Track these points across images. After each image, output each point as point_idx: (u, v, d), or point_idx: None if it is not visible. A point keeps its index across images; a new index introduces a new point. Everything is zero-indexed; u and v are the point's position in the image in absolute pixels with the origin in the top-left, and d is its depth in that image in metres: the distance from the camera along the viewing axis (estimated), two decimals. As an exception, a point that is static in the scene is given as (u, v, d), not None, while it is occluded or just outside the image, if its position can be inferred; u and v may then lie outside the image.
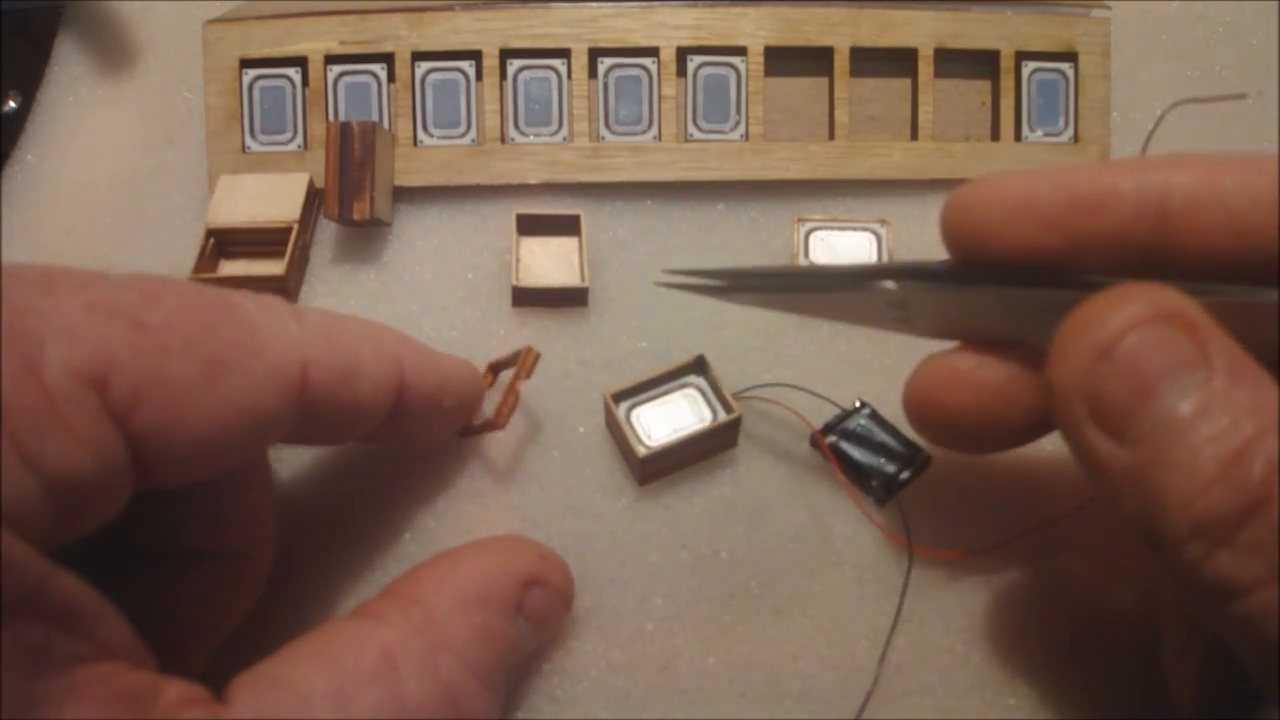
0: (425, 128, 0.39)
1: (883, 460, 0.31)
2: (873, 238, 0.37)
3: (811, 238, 0.37)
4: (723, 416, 0.31)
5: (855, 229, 0.37)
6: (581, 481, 0.32)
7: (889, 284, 0.25)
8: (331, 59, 0.39)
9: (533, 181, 0.39)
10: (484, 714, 0.24)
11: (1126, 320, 0.20)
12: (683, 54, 0.39)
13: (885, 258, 0.36)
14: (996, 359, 0.25)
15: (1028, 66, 0.40)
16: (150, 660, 0.20)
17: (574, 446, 0.32)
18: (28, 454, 0.18)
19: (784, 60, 0.39)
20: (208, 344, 0.21)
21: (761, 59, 0.39)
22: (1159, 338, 0.20)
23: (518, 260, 0.36)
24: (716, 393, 0.32)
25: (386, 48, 0.38)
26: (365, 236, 0.37)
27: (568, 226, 0.37)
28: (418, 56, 0.39)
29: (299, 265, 0.36)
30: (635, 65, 0.39)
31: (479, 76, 0.39)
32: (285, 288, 0.35)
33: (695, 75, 0.39)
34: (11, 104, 0.41)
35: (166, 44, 0.42)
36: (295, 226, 0.36)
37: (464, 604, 0.24)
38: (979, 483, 0.31)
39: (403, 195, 0.38)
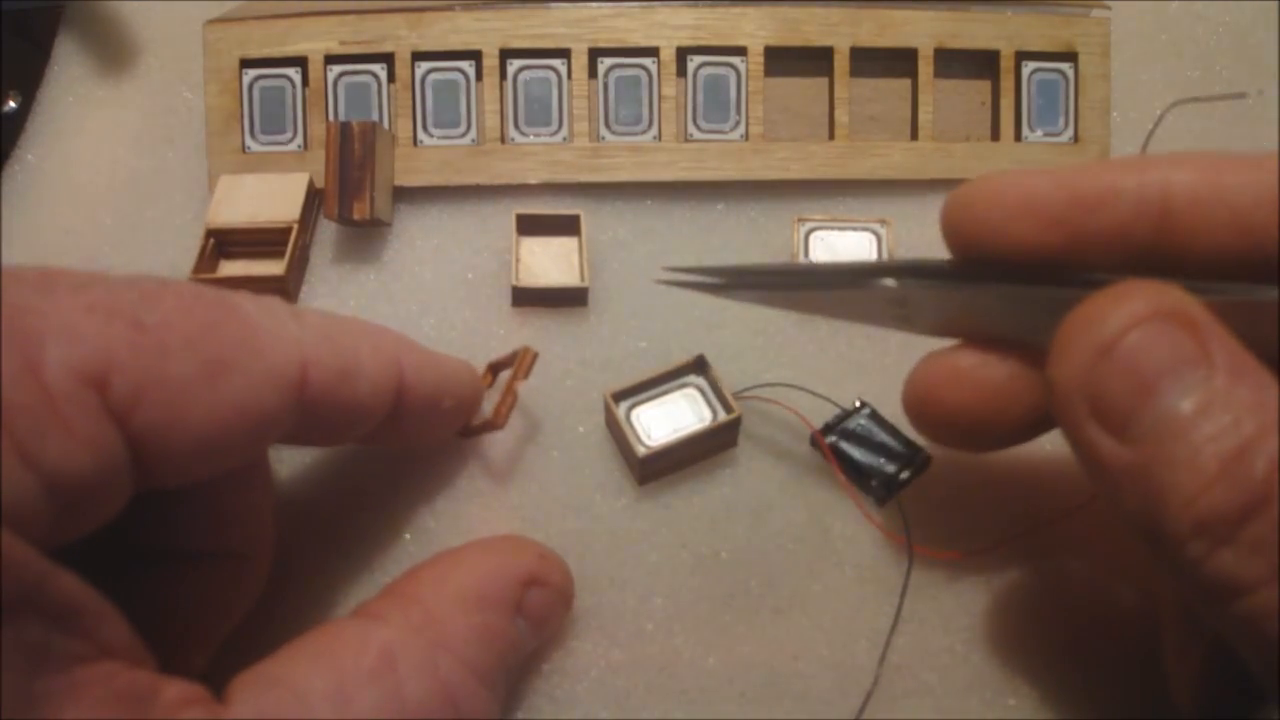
0: (425, 128, 0.39)
1: (883, 460, 0.31)
2: (873, 238, 0.37)
3: (811, 238, 0.37)
4: (723, 416, 0.31)
5: (855, 229, 0.37)
6: (581, 481, 0.32)
7: (889, 282, 0.25)
8: (331, 59, 0.39)
9: (533, 181, 0.39)
10: (483, 714, 0.24)
11: (1128, 318, 0.20)
12: (683, 54, 0.39)
13: (885, 258, 0.36)
14: (997, 357, 0.25)
15: (1028, 66, 0.40)
16: (150, 660, 0.20)
17: (574, 446, 0.32)
18: (28, 453, 0.18)
19: (784, 60, 0.39)
20: (207, 344, 0.21)
21: (761, 59, 0.39)
22: (1160, 335, 0.20)
23: (518, 260, 0.36)
24: (716, 393, 0.32)
25: (386, 48, 0.38)
26: (365, 236, 0.37)
27: (568, 226, 0.37)
28: (418, 56, 0.39)
29: (299, 265, 0.36)
30: (635, 65, 0.39)
31: (479, 76, 0.39)
32: (285, 288, 0.35)
33: (695, 75, 0.39)
34: (11, 104, 0.41)
35: (166, 44, 0.42)
36: (295, 226, 0.36)
37: (464, 604, 0.24)
38: (979, 483, 0.31)
39: (403, 195, 0.38)
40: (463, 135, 0.39)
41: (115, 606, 0.19)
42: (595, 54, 0.39)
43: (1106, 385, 0.20)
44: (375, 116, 0.39)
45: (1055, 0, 0.40)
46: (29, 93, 0.41)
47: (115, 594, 0.19)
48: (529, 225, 0.37)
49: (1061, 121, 0.40)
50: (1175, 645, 0.25)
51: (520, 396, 0.31)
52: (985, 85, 0.41)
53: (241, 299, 0.23)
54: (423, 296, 0.36)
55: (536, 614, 0.26)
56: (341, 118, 0.39)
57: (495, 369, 0.32)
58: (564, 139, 0.39)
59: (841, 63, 0.39)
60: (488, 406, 0.31)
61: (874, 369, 0.34)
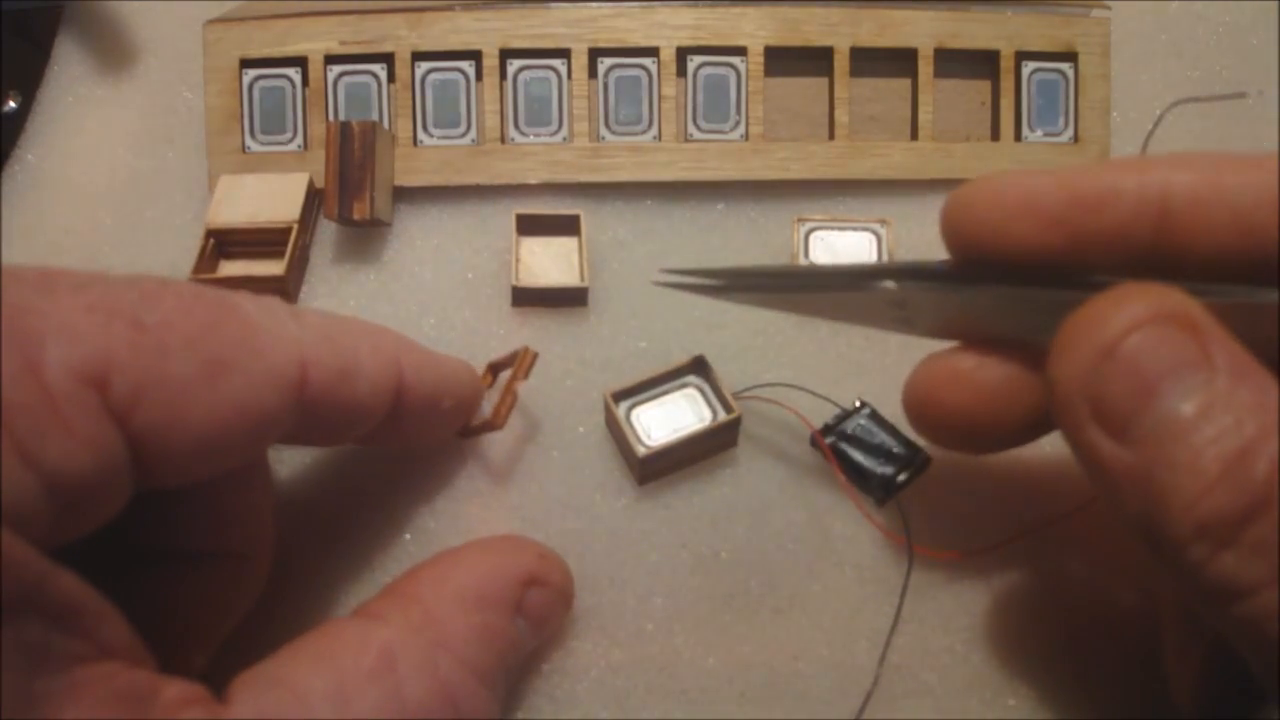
0: (425, 128, 0.39)
1: (883, 460, 0.31)
2: (873, 238, 0.37)
3: (811, 238, 0.37)
4: (723, 416, 0.31)
5: (855, 229, 0.37)
6: (581, 481, 0.32)
7: (889, 284, 0.25)
8: (331, 59, 0.39)
9: (533, 181, 0.39)
10: (483, 713, 0.24)
11: (1129, 320, 0.20)
12: (683, 54, 0.39)
13: (885, 258, 0.36)
14: (997, 359, 0.25)
15: (1028, 66, 0.40)
16: (150, 660, 0.20)
17: (574, 446, 0.32)
18: (28, 453, 0.18)
19: (784, 60, 0.39)
20: (207, 344, 0.21)
21: (761, 59, 0.39)
22: (1161, 338, 0.20)
23: (517, 260, 0.36)
24: (716, 393, 0.32)
25: (386, 48, 0.38)
26: (365, 236, 0.38)
27: (568, 226, 0.37)
28: (418, 56, 0.39)
29: (299, 265, 0.36)
30: (635, 65, 0.39)
31: (479, 76, 0.39)
32: (285, 288, 0.35)
33: (695, 75, 0.39)
34: (11, 104, 0.41)
35: (166, 44, 0.42)
36: (295, 226, 0.36)
37: (463, 603, 0.24)
38: (979, 483, 0.31)
39: (403, 195, 0.38)
40: (463, 135, 0.39)
41: (115, 606, 0.19)
42: (595, 54, 0.39)
43: (1107, 387, 0.20)
44: (375, 116, 0.39)
45: (1055, 0, 0.40)
46: (29, 93, 0.41)
47: (115, 594, 0.19)
48: (529, 225, 0.37)
49: (1061, 121, 0.40)
50: (1175, 645, 0.25)
51: (520, 396, 0.31)
52: (985, 85, 0.41)
53: (241, 299, 0.23)
54: (423, 296, 0.36)
55: (536, 614, 0.26)
56: (341, 118, 0.39)
57: (495, 369, 0.32)
58: (564, 139, 0.39)
59: (841, 63, 0.39)
60: (487, 407, 0.31)
61: (874, 369, 0.34)
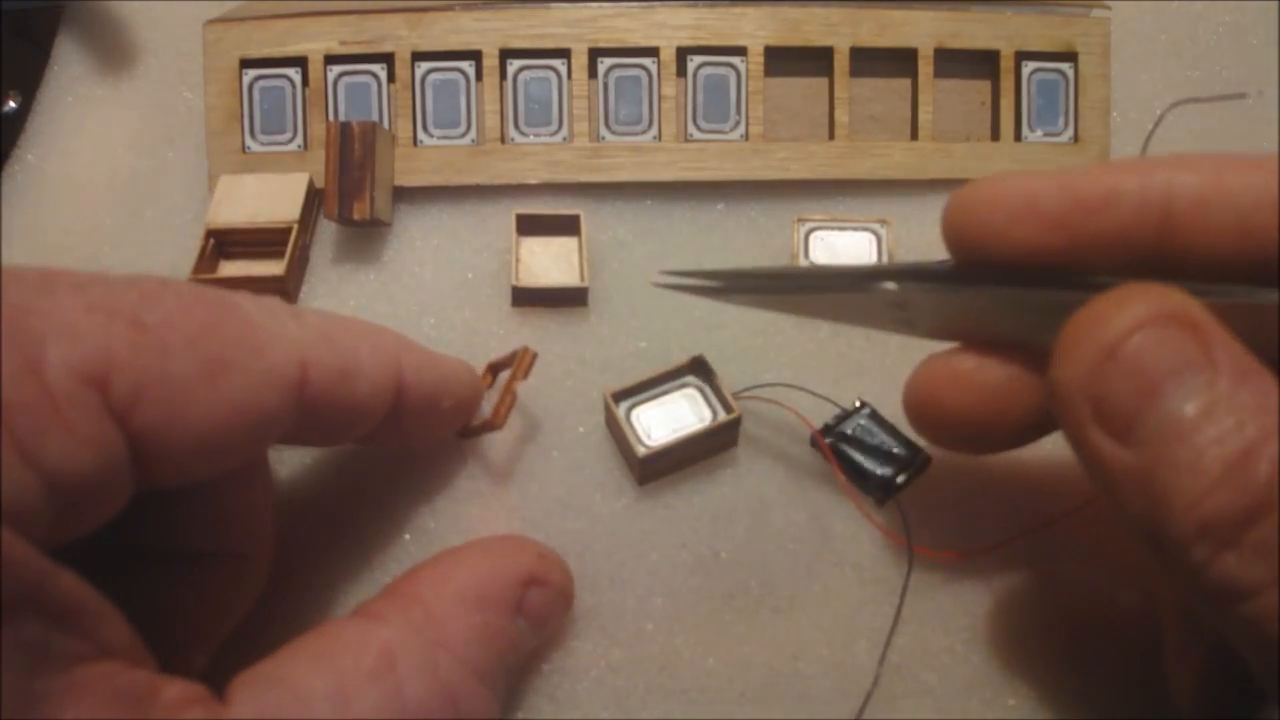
0: (425, 128, 0.39)
1: (883, 460, 0.31)
2: (873, 238, 0.37)
3: (811, 238, 0.37)
4: (723, 416, 0.31)
5: (855, 229, 0.37)
6: (581, 481, 0.32)
7: (890, 285, 0.25)
8: (331, 59, 0.39)
9: (533, 181, 0.39)
10: (483, 713, 0.24)
11: (1131, 321, 0.20)
12: (683, 54, 0.39)
13: (885, 258, 0.36)
14: (997, 360, 0.25)
15: (1028, 66, 0.40)
16: (150, 660, 0.20)
17: (574, 446, 0.32)
18: (28, 452, 0.18)
19: (784, 60, 0.40)
20: (208, 343, 0.21)
21: (761, 59, 0.39)
22: (1164, 338, 0.20)
23: (517, 260, 0.36)
24: (716, 393, 0.32)
25: (386, 48, 0.38)
26: (365, 236, 0.37)
27: (568, 226, 0.37)
28: (418, 56, 0.39)
29: (299, 265, 0.36)
30: (635, 65, 0.39)
31: (479, 76, 0.39)
32: (285, 288, 0.35)
33: (695, 75, 0.39)
34: (11, 104, 0.41)
35: (166, 44, 0.42)
36: (295, 227, 0.36)
37: (463, 603, 0.24)
38: (979, 483, 0.31)
39: (403, 195, 0.38)
40: (463, 135, 0.39)
41: (115, 606, 0.19)
42: (595, 54, 0.39)
43: (1110, 388, 0.20)
44: (375, 116, 0.39)
45: (1055, 0, 0.40)
46: (29, 93, 0.41)
47: (115, 594, 0.19)
48: (529, 225, 0.37)
49: (1061, 121, 0.40)
50: (1175, 645, 0.25)
51: (520, 397, 0.31)
52: (985, 85, 0.41)
53: (241, 299, 0.23)
54: (423, 296, 0.36)
55: (536, 613, 0.26)
56: (341, 118, 0.39)
57: (495, 369, 0.32)
58: (564, 139, 0.39)
59: (841, 63, 0.39)
60: (487, 407, 0.31)
61: (874, 369, 0.34)
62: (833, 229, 0.37)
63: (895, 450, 0.31)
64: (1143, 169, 0.23)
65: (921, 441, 0.29)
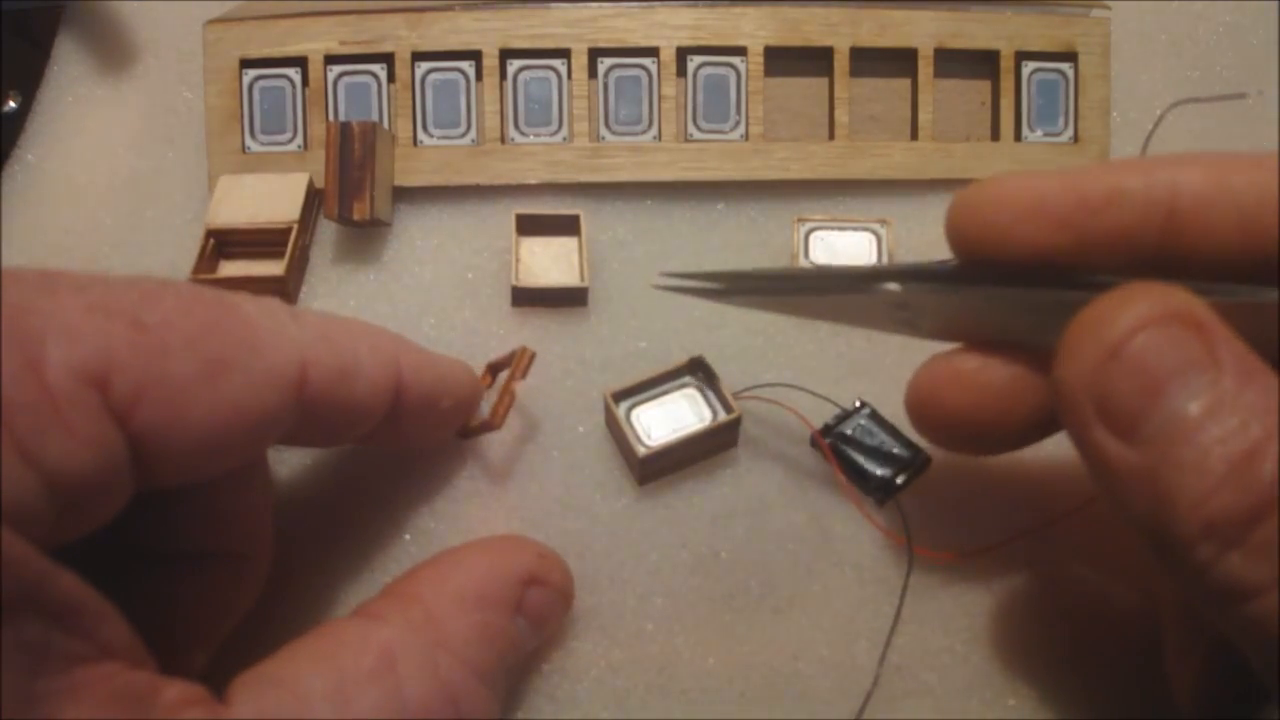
0: (425, 128, 0.39)
1: (883, 460, 0.31)
2: (873, 238, 0.37)
3: (811, 238, 0.37)
4: (723, 416, 0.31)
5: (855, 229, 0.37)
6: (581, 481, 0.32)
7: (893, 286, 0.24)
8: (331, 59, 0.39)
9: (533, 181, 0.39)
10: (484, 713, 0.24)
11: (1136, 320, 0.20)
12: (683, 54, 0.39)
13: (885, 258, 0.36)
14: (1000, 360, 0.25)
15: (1028, 66, 0.40)
16: (150, 660, 0.20)
17: (573, 446, 0.32)
18: (29, 452, 0.18)
19: (784, 60, 0.39)
20: (208, 343, 0.21)
21: (761, 59, 0.39)
22: (1168, 337, 0.20)
23: (517, 260, 0.36)
24: (716, 393, 0.32)
25: (386, 48, 0.38)
26: (365, 236, 0.37)
27: (567, 226, 0.37)
28: (418, 56, 0.39)
29: (299, 266, 0.36)
30: (635, 65, 0.39)
31: (479, 76, 0.39)
32: (285, 288, 0.35)
33: (695, 75, 0.39)
34: (11, 104, 0.41)
35: (166, 44, 0.42)
36: (295, 227, 0.36)
37: (463, 603, 0.24)
38: (979, 483, 0.31)
39: (403, 195, 0.38)
40: (463, 135, 0.39)
41: (115, 606, 0.19)
42: (595, 54, 0.39)
43: (1114, 387, 0.20)
44: (375, 116, 0.39)
45: (1055, 0, 0.40)
46: (29, 93, 0.41)
47: (115, 594, 0.19)
48: (529, 225, 0.37)
49: (1061, 121, 0.40)
50: (1176, 646, 0.25)
51: (519, 397, 0.31)
52: (985, 85, 0.41)
53: (241, 299, 0.23)
54: (422, 296, 0.36)
55: (536, 613, 0.26)
56: (341, 118, 0.39)
57: (494, 370, 0.32)
58: (564, 139, 0.39)
59: (841, 63, 0.39)
60: (486, 407, 0.31)
61: (874, 369, 0.34)
62: (833, 229, 0.37)
63: (895, 450, 0.31)
64: (1147, 168, 0.23)
65: (922, 442, 0.29)
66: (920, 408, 0.26)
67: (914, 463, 0.31)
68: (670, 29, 0.39)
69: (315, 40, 0.38)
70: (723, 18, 0.39)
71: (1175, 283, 0.21)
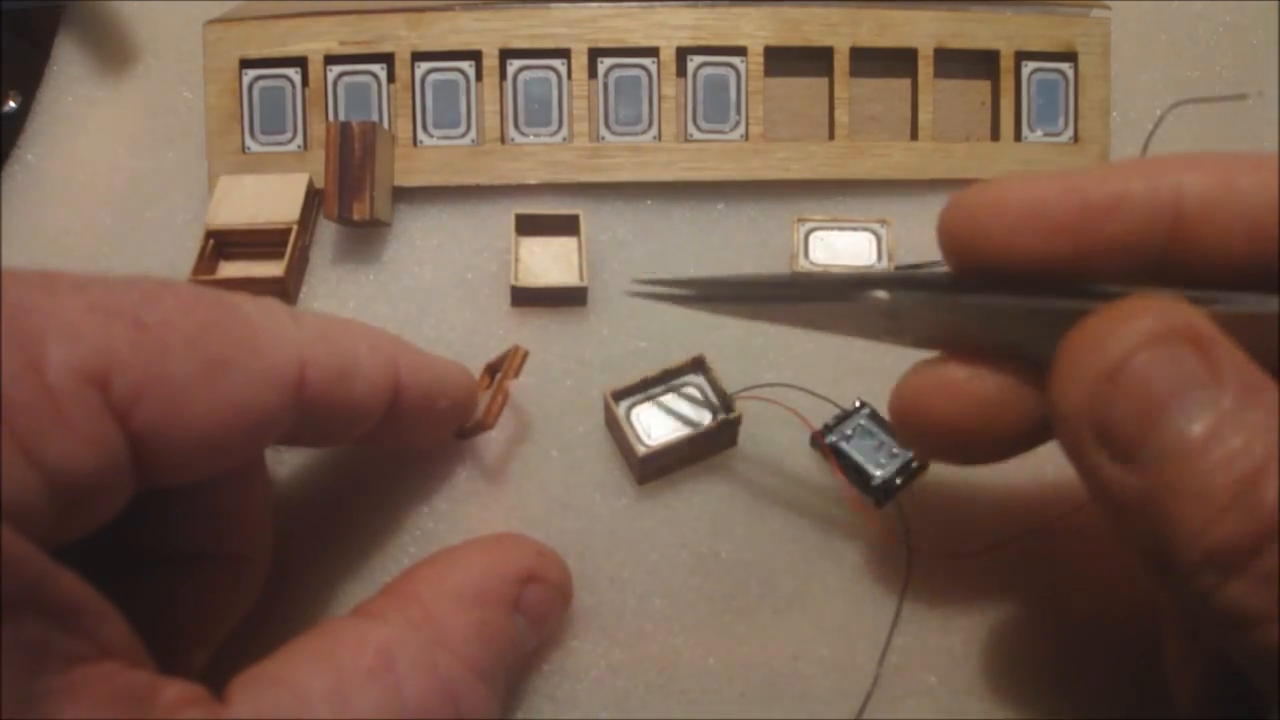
0: (425, 128, 0.39)
1: (882, 460, 0.31)
2: (872, 238, 0.37)
3: (811, 238, 0.37)
4: (723, 416, 0.31)
5: (855, 229, 0.37)
6: (581, 481, 0.32)
7: (881, 294, 0.23)
8: (331, 59, 0.39)
9: (532, 181, 0.39)
10: (483, 711, 0.24)
11: (1135, 339, 0.20)
12: (682, 54, 0.39)
13: (885, 258, 0.36)
14: (989, 369, 0.23)
15: (1028, 66, 0.40)
16: (149, 660, 0.20)
17: (573, 446, 0.32)
18: (30, 450, 0.18)
19: (784, 60, 0.40)
20: (207, 343, 0.21)
21: (761, 59, 0.39)
22: (1169, 357, 0.19)
23: (517, 260, 0.36)
24: (717, 393, 0.32)
25: (386, 48, 0.38)
26: (365, 236, 0.38)
27: (567, 226, 0.37)
28: (418, 56, 0.39)
29: (298, 266, 0.36)
30: (635, 65, 0.39)
31: (479, 76, 0.39)
32: (285, 289, 0.35)
33: (695, 75, 0.39)
34: (11, 104, 0.41)
35: (166, 44, 0.42)
36: (295, 227, 0.36)
37: (462, 601, 0.24)
38: (979, 483, 0.31)
39: (403, 195, 0.38)
40: (463, 135, 0.39)
41: (115, 606, 0.19)
42: (595, 54, 0.39)
43: (1112, 410, 0.20)
44: (375, 116, 0.39)
45: (1055, 0, 0.40)
46: (29, 93, 0.41)
47: (115, 594, 0.19)
48: (529, 225, 0.37)
49: (1061, 121, 0.40)
50: (1176, 650, 0.25)
51: (520, 397, 0.31)
52: (985, 85, 0.41)
53: (241, 299, 0.23)
54: (422, 297, 0.36)
55: (535, 611, 0.26)
56: (341, 118, 0.39)
57: (492, 371, 0.32)
58: (564, 139, 0.39)
59: (841, 63, 0.39)
60: (483, 409, 0.31)
61: (874, 369, 0.34)
62: (833, 229, 0.37)
63: (895, 450, 0.31)
64: (1150, 170, 0.22)
65: (921, 441, 0.29)
66: (905, 417, 0.25)
67: (914, 463, 0.31)
68: (670, 29, 0.39)
69: (315, 40, 0.38)
70: (723, 18, 0.39)
71: (1176, 292, 0.20)
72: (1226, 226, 0.21)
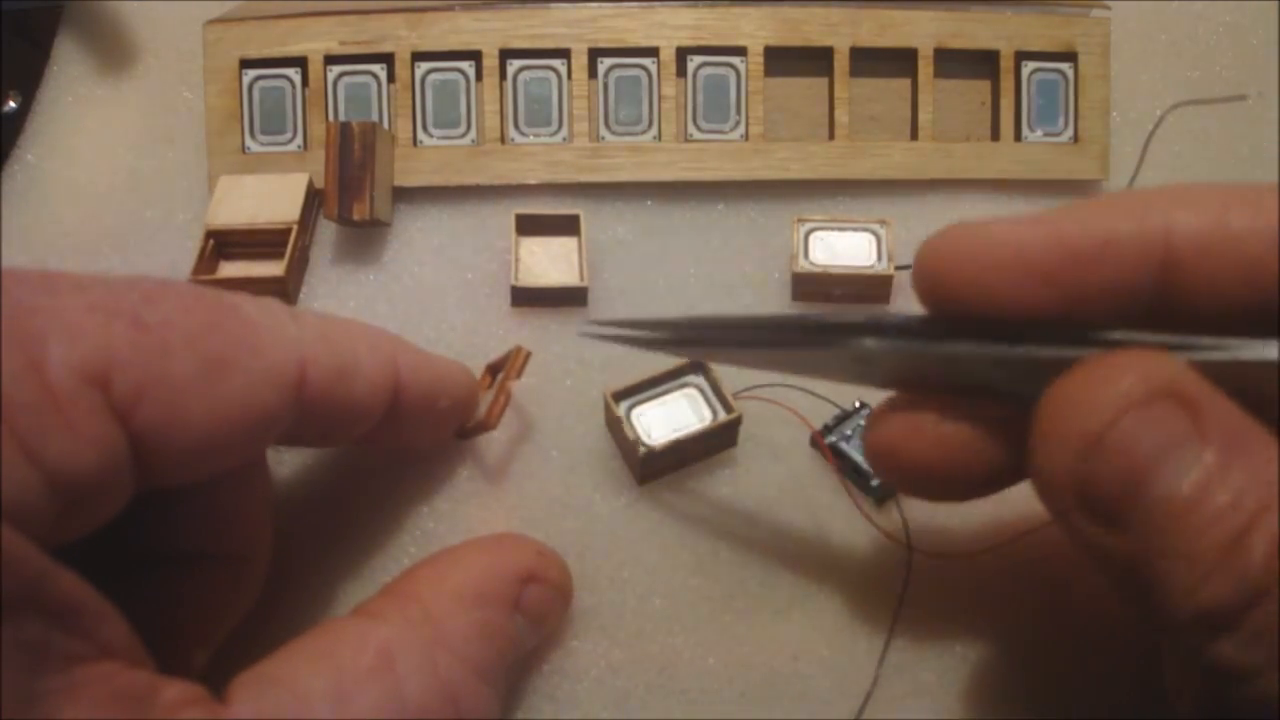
0: (425, 128, 0.39)
1: (883, 460, 0.31)
2: (872, 238, 0.37)
3: (811, 238, 0.37)
4: (723, 416, 0.31)
5: (855, 229, 0.37)
6: (581, 481, 0.32)
7: (870, 343, 0.22)
8: (331, 59, 0.39)
9: (532, 181, 0.39)
10: (484, 711, 0.24)
11: (1116, 404, 0.19)
12: (682, 54, 0.39)
13: (885, 258, 0.36)
14: (960, 411, 0.23)
15: (1028, 66, 0.40)
16: (149, 661, 0.20)
17: (573, 446, 0.32)
18: (31, 450, 0.18)
19: (784, 60, 0.39)
20: (208, 343, 0.21)
21: (761, 59, 0.39)
22: (1152, 420, 0.19)
23: (517, 260, 0.36)
24: (716, 393, 0.32)
25: (386, 48, 0.38)
26: (365, 236, 0.38)
27: (567, 226, 0.37)
28: (418, 56, 0.39)
29: (299, 266, 0.36)
30: (635, 65, 0.39)
31: (479, 76, 0.39)
32: (285, 289, 0.35)
33: (695, 75, 0.39)
34: (11, 104, 0.41)
35: (166, 44, 0.42)
36: (295, 227, 0.36)
37: (462, 600, 0.24)
38: (979, 483, 0.31)
39: (403, 195, 0.38)
40: (463, 135, 0.39)
41: (115, 606, 0.19)
42: (595, 54, 0.39)
43: (1096, 476, 0.19)
44: (375, 117, 0.39)
45: (1055, 0, 0.40)
46: (29, 93, 0.41)
47: (115, 594, 0.19)
48: (529, 225, 0.37)
49: (1061, 121, 0.40)
50: (1175, 662, 0.25)
51: (519, 397, 0.31)
52: (985, 85, 0.41)
53: (241, 299, 0.23)
54: (422, 297, 0.36)
55: (535, 610, 0.26)
56: (341, 118, 0.39)
57: (493, 371, 0.32)
58: (564, 139, 0.39)
59: (841, 63, 0.39)
60: (484, 408, 0.31)
61: (874, 369, 0.34)
62: (833, 229, 0.37)
63: (895, 450, 0.31)
64: (1138, 208, 0.21)
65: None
66: (879, 460, 0.24)
67: (914, 463, 0.31)
68: (670, 29, 0.39)
69: (315, 40, 0.38)
70: (723, 18, 0.39)
71: (1164, 338, 0.20)
72: (1220, 268, 0.20)
